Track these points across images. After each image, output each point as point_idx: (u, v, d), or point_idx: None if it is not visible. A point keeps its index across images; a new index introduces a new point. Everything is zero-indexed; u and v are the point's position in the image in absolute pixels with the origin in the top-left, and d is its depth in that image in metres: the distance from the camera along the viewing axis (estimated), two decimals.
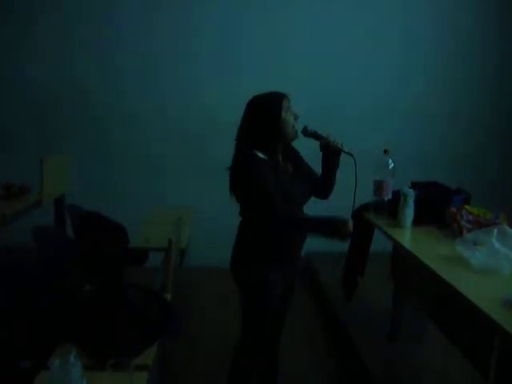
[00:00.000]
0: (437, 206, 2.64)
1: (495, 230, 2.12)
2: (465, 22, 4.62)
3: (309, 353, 3.18)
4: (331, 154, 2.14)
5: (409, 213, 2.55)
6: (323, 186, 2.23)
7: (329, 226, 1.97)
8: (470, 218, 2.46)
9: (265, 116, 2.03)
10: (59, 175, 3.80)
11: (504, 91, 4.74)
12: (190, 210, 3.91)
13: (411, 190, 2.56)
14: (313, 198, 2.24)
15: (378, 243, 2.96)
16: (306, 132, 2.14)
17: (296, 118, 2.09)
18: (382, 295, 3.21)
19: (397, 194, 2.62)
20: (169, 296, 2.49)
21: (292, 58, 4.44)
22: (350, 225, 1.94)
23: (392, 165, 2.61)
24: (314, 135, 2.15)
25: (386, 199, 2.68)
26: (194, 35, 4.38)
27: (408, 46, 4.60)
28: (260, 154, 2.02)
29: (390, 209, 2.67)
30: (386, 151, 2.61)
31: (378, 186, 2.67)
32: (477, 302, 1.68)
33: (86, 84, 4.35)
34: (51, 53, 4.31)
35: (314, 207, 2.20)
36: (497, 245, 2.04)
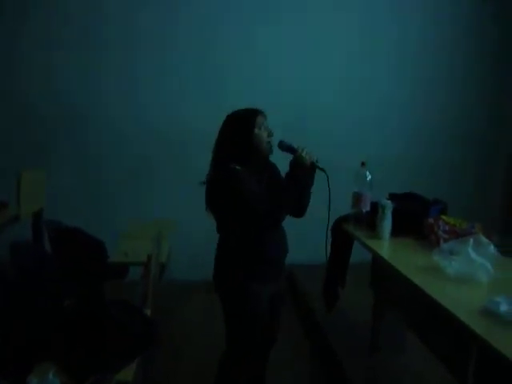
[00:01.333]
0: (414, 217, 2.68)
1: (471, 240, 2.16)
2: (450, 35, 4.71)
3: (291, 363, 3.18)
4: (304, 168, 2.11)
5: (387, 224, 2.59)
6: (297, 202, 2.18)
7: (299, 170, 2.05)
8: (447, 228, 2.50)
9: (238, 131, 2.08)
10: (36, 190, 3.75)
11: (483, 106, 4.84)
12: (171, 223, 3.89)
13: (389, 202, 2.60)
14: None
15: (358, 253, 2.98)
16: (282, 146, 2.16)
17: (270, 134, 2.12)
18: (363, 305, 3.23)
19: (375, 206, 2.65)
20: (149, 311, 2.48)
21: (274, 70, 4.47)
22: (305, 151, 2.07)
23: (369, 177, 2.65)
24: (290, 149, 2.15)
25: (364, 211, 2.71)
26: (175, 48, 4.38)
27: (392, 58, 4.67)
28: (237, 167, 2.04)
29: (369, 220, 2.70)
30: (363, 163, 2.65)
31: (357, 198, 2.71)
32: (454, 311, 1.71)
33: (63, 95, 4.29)
34: (31, 64, 4.26)
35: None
36: (472, 254, 2.08)
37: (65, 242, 3.02)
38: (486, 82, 4.82)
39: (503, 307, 1.67)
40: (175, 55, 4.39)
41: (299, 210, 2.24)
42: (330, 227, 2.20)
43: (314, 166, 2.11)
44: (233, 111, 2.15)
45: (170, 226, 3.83)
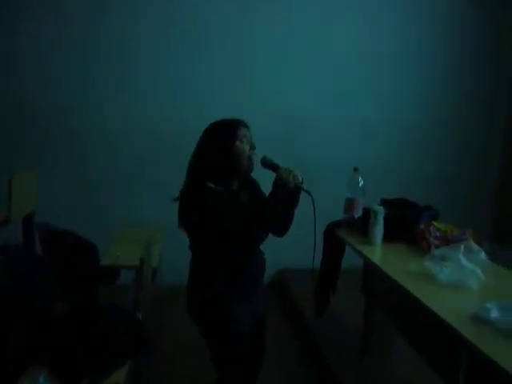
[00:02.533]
0: (406, 223, 2.69)
1: (462, 247, 2.17)
2: (441, 47, 4.77)
3: (281, 367, 3.18)
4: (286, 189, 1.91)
5: (379, 230, 2.59)
6: (278, 222, 2.00)
7: (280, 189, 1.88)
8: (438, 234, 2.52)
9: (217, 143, 1.94)
10: (28, 191, 3.73)
11: (474, 116, 4.89)
12: (162, 228, 3.88)
13: (381, 208, 2.61)
14: None
15: (350, 258, 2.99)
16: (265, 162, 2.00)
17: (252, 147, 1.98)
18: (354, 310, 3.24)
19: (367, 212, 2.66)
20: (141, 314, 2.47)
21: (259, 79, 4.50)
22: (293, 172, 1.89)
23: (362, 183, 2.66)
24: (272, 167, 1.98)
25: (356, 216, 2.73)
26: (162, 60, 4.42)
27: (385, 69, 4.71)
28: (211, 184, 1.92)
29: (361, 226, 2.71)
30: (355, 169, 2.67)
31: (349, 204, 2.72)
32: (445, 317, 1.72)
33: (57, 96, 4.30)
34: (24, 64, 4.25)
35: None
36: (463, 260, 2.09)
37: (56, 245, 3.02)
38: (475, 95, 4.88)
39: (494, 314, 1.68)
40: (165, 61, 4.42)
41: (280, 230, 2.06)
42: (316, 247, 2.01)
43: (298, 188, 1.93)
44: (211, 123, 2.01)
45: (161, 231, 3.82)
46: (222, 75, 4.45)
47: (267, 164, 1.99)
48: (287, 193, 1.90)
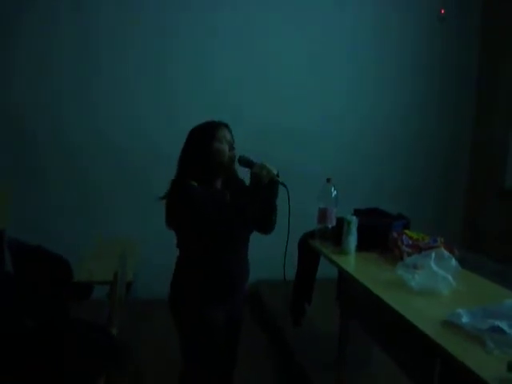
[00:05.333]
0: (379, 232, 2.72)
1: (433, 254, 2.21)
2: (427, 62, 4.88)
3: (257, 378, 3.16)
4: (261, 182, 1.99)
5: (352, 239, 2.62)
6: (259, 218, 2.09)
7: (255, 185, 1.96)
8: (410, 242, 2.56)
9: (197, 145, 2.03)
10: None
11: (443, 128, 5.00)
12: (136, 241, 3.85)
13: (354, 217, 2.63)
14: None
15: (326, 268, 3.01)
16: (241, 161, 2.08)
17: (231, 148, 2.05)
18: (329, 320, 3.25)
19: (340, 221, 2.69)
20: (115, 330, 2.44)
21: (240, 83, 4.53)
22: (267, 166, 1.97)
23: (335, 193, 2.69)
24: (248, 164, 2.05)
25: (330, 226, 2.74)
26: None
27: (355, 73, 4.79)
28: (195, 183, 1.98)
29: (335, 236, 2.73)
30: (328, 180, 2.69)
31: (322, 214, 2.73)
32: (417, 323, 1.75)
33: (20, 109, 4.23)
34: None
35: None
36: (435, 267, 2.12)
37: (27, 261, 2.96)
38: (444, 107, 5.00)
39: (465, 319, 1.71)
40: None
41: (265, 226, 2.16)
42: (288, 241, 2.09)
43: (273, 181, 2.00)
44: (195, 126, 2.10)
45: (136, 244, 3.79)
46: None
47: (244, 162, 2.06)
48: (260, 187, 1.97)
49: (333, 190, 2.69)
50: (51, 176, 4.34)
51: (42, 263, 2.95)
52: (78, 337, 1.81)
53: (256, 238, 2.20)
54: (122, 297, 3.10)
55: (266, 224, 2.14)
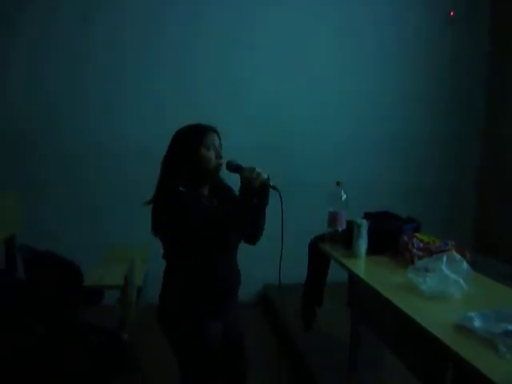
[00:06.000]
0: (389, 236, 2.71)
1: (444, 257, 2.19)
2: (423, 60, 4.83)
3: (266, 382, 3.15)
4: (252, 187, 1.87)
5: (362, 243, 2.61)
6: (249, 225, 1.98)
7: (246, 189, 1.85)
8: (421, 245, 2.54)
9: (183, 150, 1.92)
10: (9, 215, 3.69)
11: (454, 129, 4.94)
12: (147, 246, 3.85)
13: (364, 221, 2.62)
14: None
15: (336, 272, 3.00)
16: (230, 167, 1.96)
17: (218, 156, 1.95)
18: (340, 324, 3.23)
19: (350, 225, 2.68)
20: (126, 335, 2.45)
21: (246, 86, 4.54)
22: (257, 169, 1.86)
23: (345, 196, 2.68)
24: (237, 169, 1.93)
25: (340, 230, 2.74)
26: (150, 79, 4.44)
27: (370, 82, 4.75)
28: (181, 188, 1.89)
29: (345, 239, 2.72)
30: (338, 183, 2.69)
31: (332, 218, 2.73)
32: (428, 327, 1.73)
33: (21, 122, 4.28)
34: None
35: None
36: (446, 271, 2.11)
37: (38, 267, 2.99)
38: (455, 108, 4.95)
39: (477, 323, 1.69)
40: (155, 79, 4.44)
41: (252, 235, 2.06)
42: (283, 247, 1.93)
43: (265, 186, 1.89)
44: (183, 126, 1.99)
45: (147, 249, 3.79)
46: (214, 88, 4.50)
47: (233, 167, 1.95)
48: (250, 194, 1.86)
49: (342, 193, 2.68)
50: (57, 186, 4.37)
51: (53, 268, 2.98)
52: (86, 341, 1.81)
53: (262, 242, 2.15)
54: (133, 301, 3.10)
55: (253, 234, 2.05)
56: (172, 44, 4.43)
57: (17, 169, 4.28)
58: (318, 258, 2.96)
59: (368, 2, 4.71)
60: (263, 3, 4.52)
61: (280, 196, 1.85)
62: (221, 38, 4.48)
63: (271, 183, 1.89)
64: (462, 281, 2.06)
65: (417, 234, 2.66)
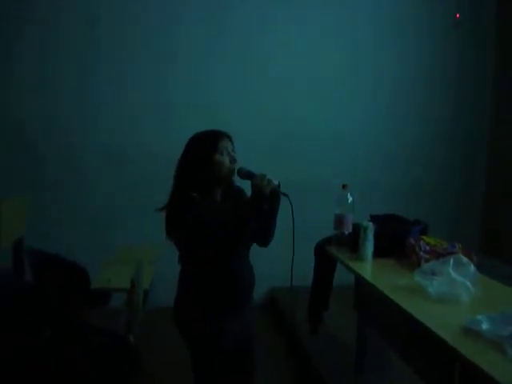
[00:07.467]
0: (396, 238, 2.70)
1: (451, 260, 2.18)
2: (427, 61, 4.84)
3: None
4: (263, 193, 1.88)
5: (369, 246, 2.60)
6: (260, 230, 2.03)
7: (257, 196, 1.87)
8: (428, 248, 2.54)
9: (197, 156, 1.96)
10: (17, 217, 3.71)
11: (459, 129, 4.95)
12: (155, 247, 3.85)
13: (370, 224, 2.62)
14: None
15: (342, 275, 2.99)
16: (241, 173, 1.98)
17: (232, 161, 1.98)
18: (347, 326, 3.23)
19: (357, 228, 2.67)
20: (132, 337, 2.45)
21: (254, 86, 4.54)
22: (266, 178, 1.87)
23: (351, 199, 2.68)
24: (248, 176, 1.95)
25: (346, 233, 2.74)
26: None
27: (370, 83, 4.76)
28: (195, 194, 1.92)
29: (351, 242, 2.71)
30: (344, 186, 2.69)
31: (339, 220, 2.73)
32: (436, 330, 1.73)
33: (32, 122, 4.29)
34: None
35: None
36: (453, 274, 2.10)
37: (46, 269, 3.00)
38: (463, 106, 4.95)
39: (484, 326, 1.69)
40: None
41: (263, 240, 2.09)
42: (294, 254, 1.96)
43: (275, 192, 1.91)
44: (196, 133, 2.02)
45: (154, 251, 3.79)
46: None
47: (244, 174, 1.98)
48: (260, 200, 1.89)
49: (349, 196, 2.68)
50: (64, 188, 4.37)
51: (60, 271, 2.99)
52: (93, 343, 1.82)
53: (270, 246, 2.16)
54: (140, 304, 3.11)
55: (264, 238, 2.08)
56: (184, 45, 4.43)
57: (22, 171, 4.29)
58: (324, 261, 2.95)
59: (371, 4, 4.72)
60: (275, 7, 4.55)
61: (290, 202, 1.87)
62: (234, 42, 4.51)
63: (282, 190, 1.91)
64: (469, 284, 2.06)
65: (423, 237, 2.65)
